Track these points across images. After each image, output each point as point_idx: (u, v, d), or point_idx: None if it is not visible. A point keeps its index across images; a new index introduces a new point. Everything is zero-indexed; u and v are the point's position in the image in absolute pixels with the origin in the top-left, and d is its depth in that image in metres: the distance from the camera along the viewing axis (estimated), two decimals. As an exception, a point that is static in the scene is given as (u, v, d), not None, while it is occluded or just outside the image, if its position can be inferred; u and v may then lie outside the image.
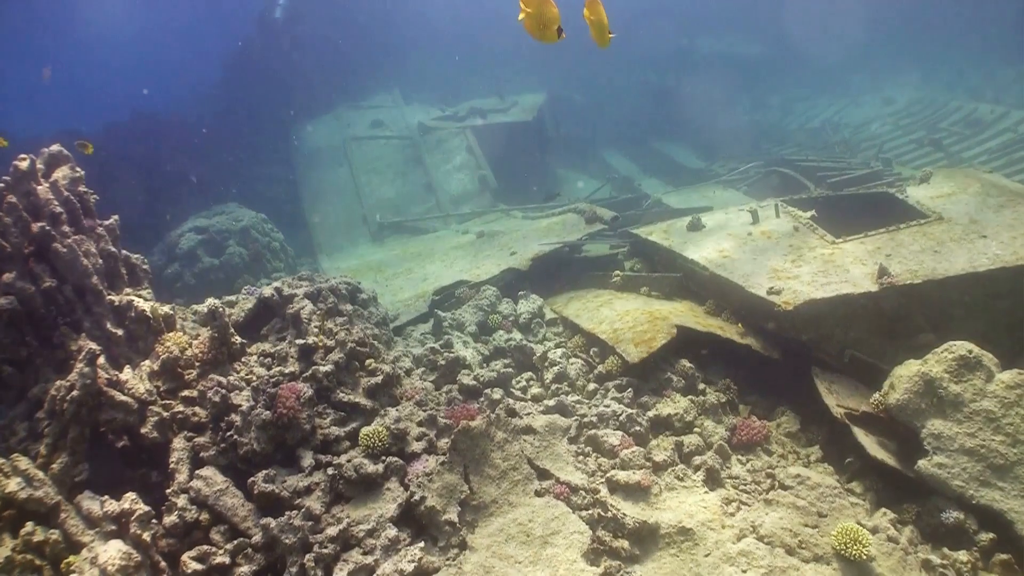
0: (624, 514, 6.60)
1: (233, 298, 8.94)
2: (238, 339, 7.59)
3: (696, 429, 7.92)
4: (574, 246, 11.60)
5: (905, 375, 7.67)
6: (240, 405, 6.63)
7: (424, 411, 7.28)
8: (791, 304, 8.31)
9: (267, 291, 7.93)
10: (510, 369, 8.92)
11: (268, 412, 6.44)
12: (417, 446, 6.79)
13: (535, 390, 8.73)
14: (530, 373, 9.04)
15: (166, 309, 7.57)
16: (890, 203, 10.79)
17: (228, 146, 21.39)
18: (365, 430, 6.72)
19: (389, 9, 27.99)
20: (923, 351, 8.41)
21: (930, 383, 7.51)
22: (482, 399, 8.27)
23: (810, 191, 13.96)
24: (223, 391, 6.66)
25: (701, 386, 8.58)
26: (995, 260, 8.65)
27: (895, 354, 8.58)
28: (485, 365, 9.28)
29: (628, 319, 9.22)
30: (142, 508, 5.74)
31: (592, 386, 8.57)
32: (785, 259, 9.39)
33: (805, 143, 22.76)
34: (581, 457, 7.33)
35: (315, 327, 7.57)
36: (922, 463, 7.27)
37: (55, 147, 7.65)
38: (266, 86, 23.81)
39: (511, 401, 7.99)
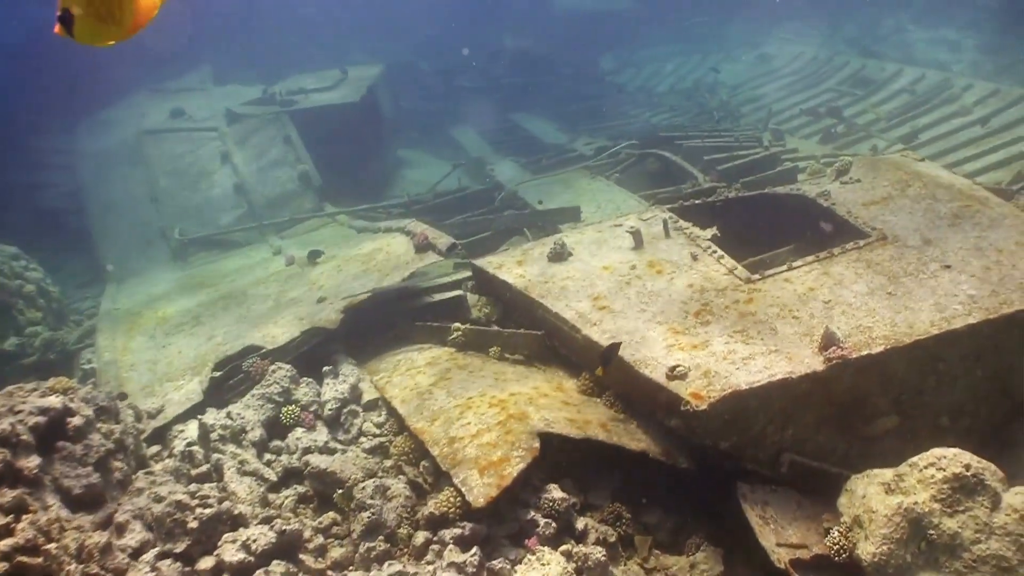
0: None
1: None
2: None
3: (577, 615, 5.19)
4: (394, 291, 8.69)
5: (881, 513, 5.13)
6: None
7: None
8: (704, 399, 5.63)
9: None
10: (299, 519, 6.02)
11: None
12: None
13: (337, 552, 5.83)
14: (333, 515, 6.14)
15: None
16: (809, 208, 8.26)
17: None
18: None
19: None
20: (885, 443, 6.05)
21: (917, 523, 5.02)
22: (250, 592, 5.36)
23: (698, 182, 11.40)
24: None
25: (580, 522, 5.85)
26: (972, 308, 6.19)
27: (848, 449, 6.12)
28: (269, 504, 6.35)
29: (470, 416, 6.40)
30: None
31: (422, 536, 5.71)
32: (686, 311, 6.72)
33: (678, 107, 20.31)
34: None
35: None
36: (916, 648, 4.79)
37: None
38: (49, 70, 19.78)
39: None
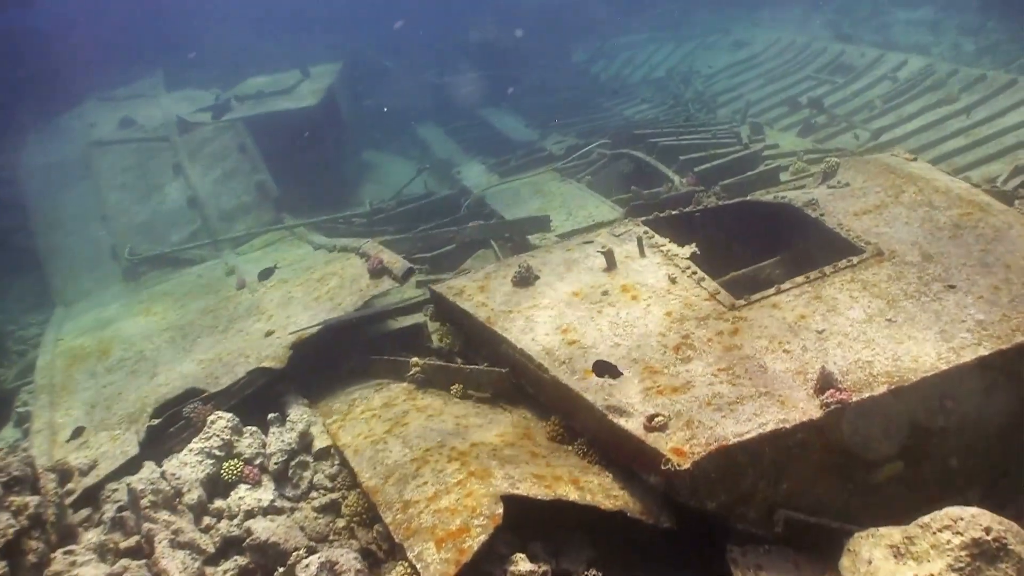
0: None
1: None
2: None
3: None
4: (346, 322, 7.99)
5: (894, 588, 4.48)
6: None
7: None
8: (687, 456, 4.97)
9: None
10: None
11: None
12: None
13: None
14: (276, 595, 5.47)
15: None
16: (795, 219, 7.61)
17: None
18: None
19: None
20: (889, 490, 5.41)
21: (935, 599, 4.35)
22: None
23: (674, 186, 10.74)
24: None
25: (553, 596, 5.18)
26: (982, 336, 5.55)
27: (848, 500, 5.46)
28: (203, 581, 5.66)
29: (428, 473, 5.74)
30: None
31: (374, 620, 5.05)
32: (664, 346, 6.05)
33: (653, 99, 19.61)
34: None
35: None
36: None
37: None
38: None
39: None
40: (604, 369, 5.65)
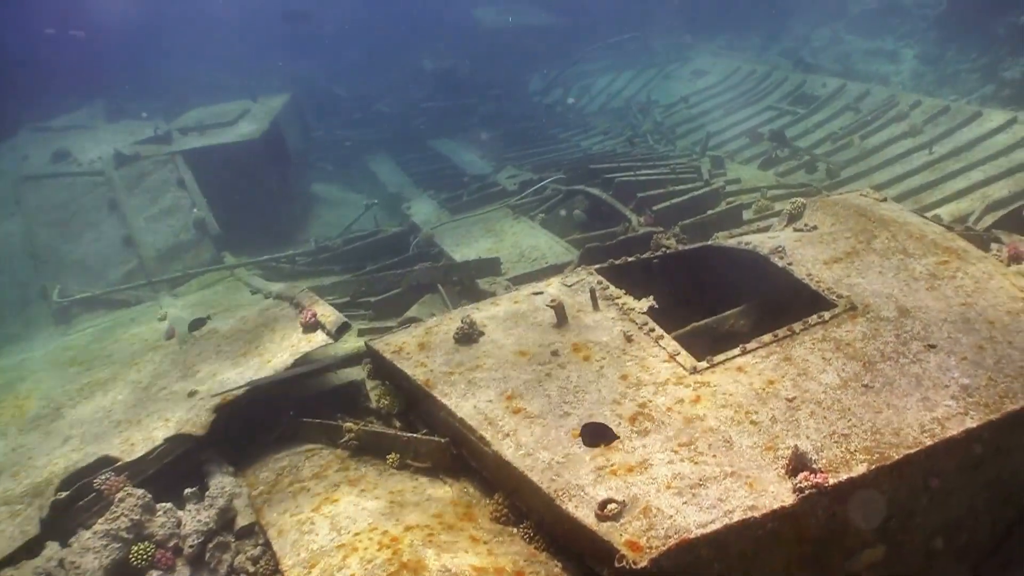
0: None
1: None
2: None
3: None
4: (276, 382, 7.33)
5: None
6: None
7: None
8: (644, 551, 4.36)
9: None
10: None
11: None
12: None
13: None
14: None
15: None
16: (760, 267, 7.09)
17: None
18: None
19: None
20: (871, 578, 4.81)
21: None
22: None
23: (631, 225, 10.23)
24: None
25: None
26: (968, 405, 5.03)
27: (825, 589, 4.88)
28: None
29: (355, 564, 5.06)
30: None
31: None
32: (619, 416, 5.46)
33: (611, 130, 19.17)
34: None
35: None
36: None
37: None
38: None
39: None
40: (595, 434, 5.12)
